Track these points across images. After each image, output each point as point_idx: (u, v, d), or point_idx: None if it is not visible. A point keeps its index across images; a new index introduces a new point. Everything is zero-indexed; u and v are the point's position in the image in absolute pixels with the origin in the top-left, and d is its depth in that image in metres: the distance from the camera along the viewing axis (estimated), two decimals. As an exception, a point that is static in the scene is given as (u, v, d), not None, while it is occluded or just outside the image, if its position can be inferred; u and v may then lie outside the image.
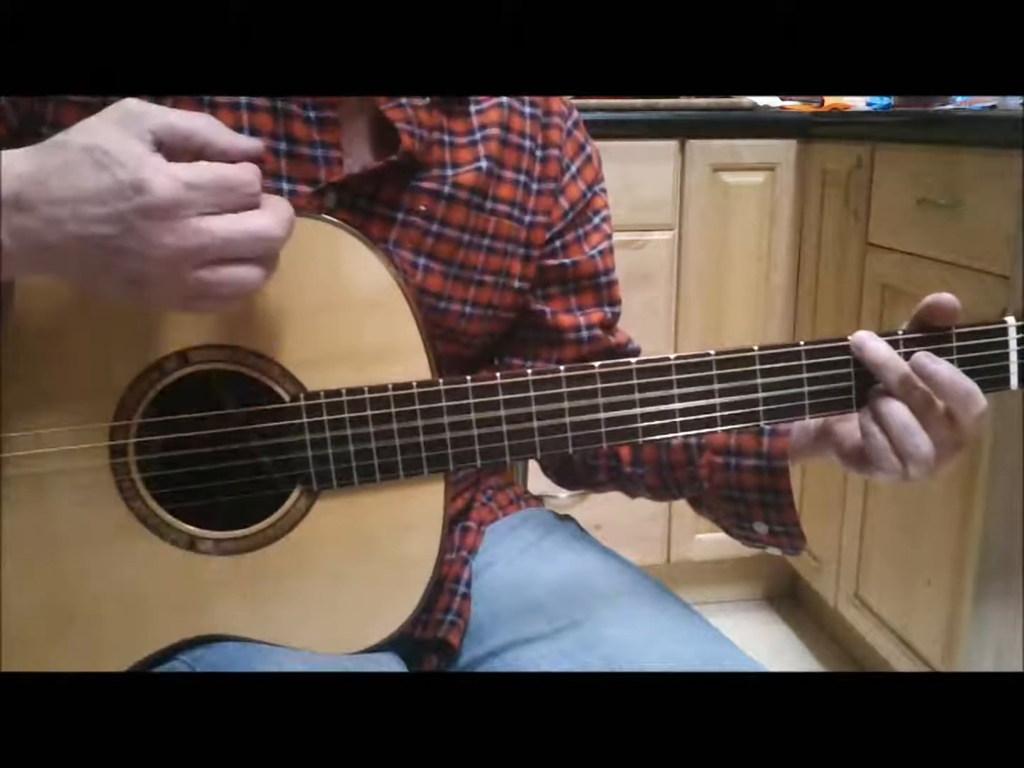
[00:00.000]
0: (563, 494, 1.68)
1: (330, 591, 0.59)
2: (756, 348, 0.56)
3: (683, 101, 1.68)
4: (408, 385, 0.55)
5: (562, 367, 0.56)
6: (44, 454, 0.54)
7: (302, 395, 0.56)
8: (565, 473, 0.77)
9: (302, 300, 0.55)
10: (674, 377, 0.57)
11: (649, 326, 1.68)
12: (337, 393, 0.56)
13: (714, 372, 0.56)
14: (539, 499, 0.80)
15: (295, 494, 0.58)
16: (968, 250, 1.24)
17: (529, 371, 0.56)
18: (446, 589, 0.66)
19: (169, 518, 0.57)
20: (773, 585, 1.93)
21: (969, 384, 0.54)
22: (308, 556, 0.58)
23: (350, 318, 0.56)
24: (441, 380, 0.56)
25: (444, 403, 0.56)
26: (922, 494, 1.37)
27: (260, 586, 0.58)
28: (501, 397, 0.56)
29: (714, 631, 0.63)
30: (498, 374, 0.56)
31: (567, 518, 0.77)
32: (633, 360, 0.56)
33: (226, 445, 0.57)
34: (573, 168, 0.70)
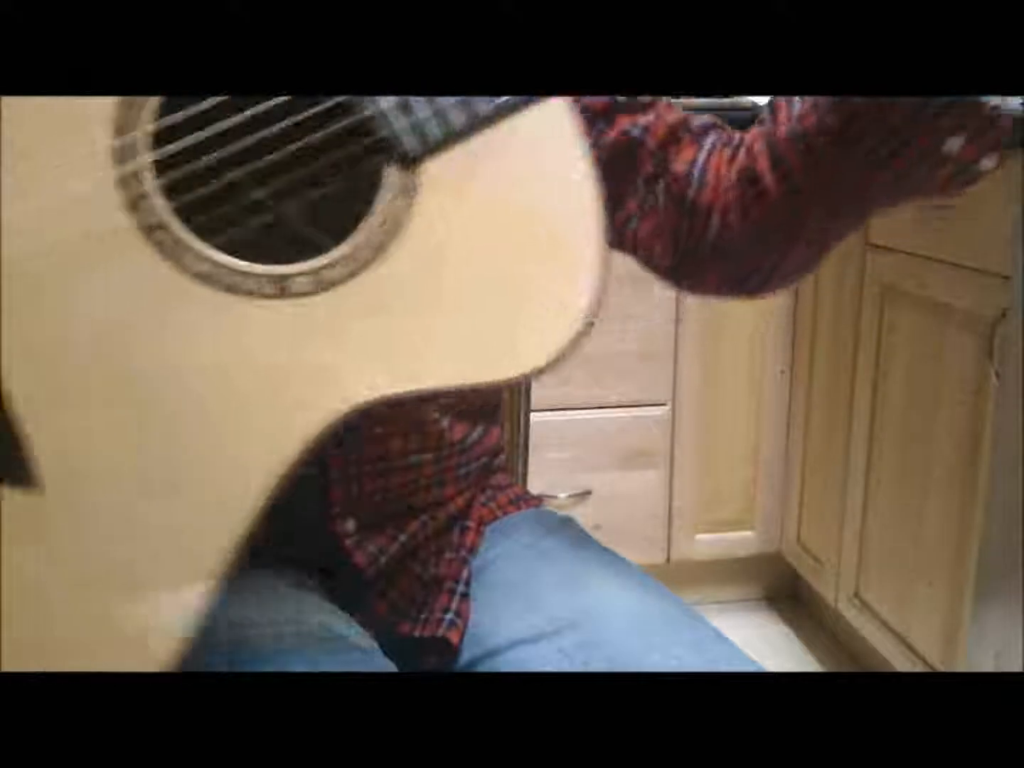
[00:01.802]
0: (563, 494, 1.68)
1: (477, 293, 0.46)
2: None
3: (683, 101, 1.68)
4: None
5: None
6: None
7: None
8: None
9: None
10: None
11: (649, 325, 1.68)
12: None
13: None
14: (539, 499, 0.80)
15: (390, 176, 0.44)
16: (968, 250, 1.24)
17: None
18: (445, 588, 0.67)
19: (243, 264, 0.44)
20: (773, 585, 1.93)
21: None
22: (434, 258, 0.45)
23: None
24: None
25: None
26: (922, 494, 1.37)
27: (386, 315, 0.45)
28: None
29: (714, 631, 0.63)
30: None
31: (567, 518, 0.77)
32: None
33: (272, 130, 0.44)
34: None
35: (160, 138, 0.45)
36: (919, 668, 1.39)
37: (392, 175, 0.45)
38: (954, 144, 0.53)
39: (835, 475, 1.63)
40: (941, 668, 1.34)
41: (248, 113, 0.45)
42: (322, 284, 0.44)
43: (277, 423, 0.45)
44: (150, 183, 0.44)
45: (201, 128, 0.45)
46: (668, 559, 1.80)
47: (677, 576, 1.74)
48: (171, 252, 0.44)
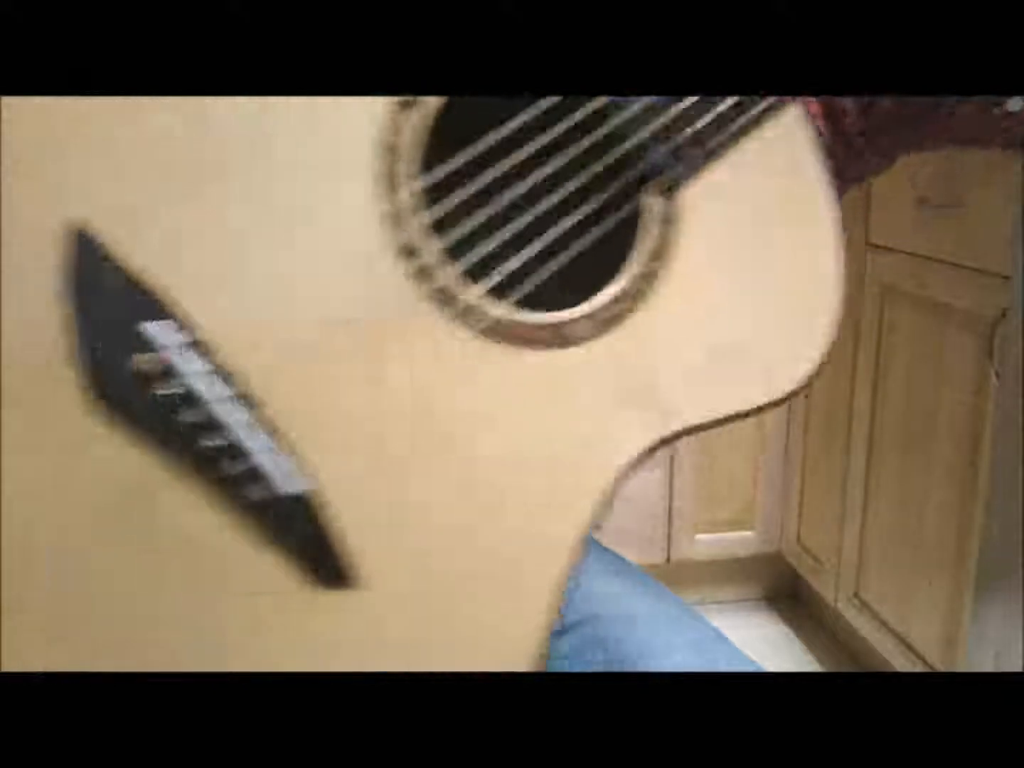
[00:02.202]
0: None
1: (736, 319, 0.45)
2: None
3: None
4: None
5: None
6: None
7: None
8: None
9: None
10: None
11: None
12: None
13: None
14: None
15: (653, 206, 0.44)
16: (968, 250, 1.24)
17: None
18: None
19: (527, 316, 0.43)
20: (773, 585, 1.93)
21: None
22: (700, 287, 0.44)
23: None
24: None
25: None
26: (922, 494, 1.37)
27: (655, 352, 0.44)
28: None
29: (714, 631, 0.63)
30: None
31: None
32: None
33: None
34: None
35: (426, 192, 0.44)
36: (919, 668, 1.39)
37: (655, 205, 0.45)
38: (1017, 103, 0.54)
39: (835, 475, 1.63)
40: (941, 668, 1.34)
41: (514, 159, 0.44)
42: (598, 327, 0.44)
43: (571, 483, 0.44)
44: (428, 245, 0.43)
45: (465, 180, 0.44)
46: (668, 559, 1.80)
47: (677, 576, 1.74)
48: (458, 313, 0.43)
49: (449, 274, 0.43)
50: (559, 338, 0.43)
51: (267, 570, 0.42)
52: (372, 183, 0.43)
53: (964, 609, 1.27)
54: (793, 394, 0.47)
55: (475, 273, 0.44)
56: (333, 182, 0.44)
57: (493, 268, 0.44)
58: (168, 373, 0.40)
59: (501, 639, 0.46)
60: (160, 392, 0.40)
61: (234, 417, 0.41)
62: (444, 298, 0.43)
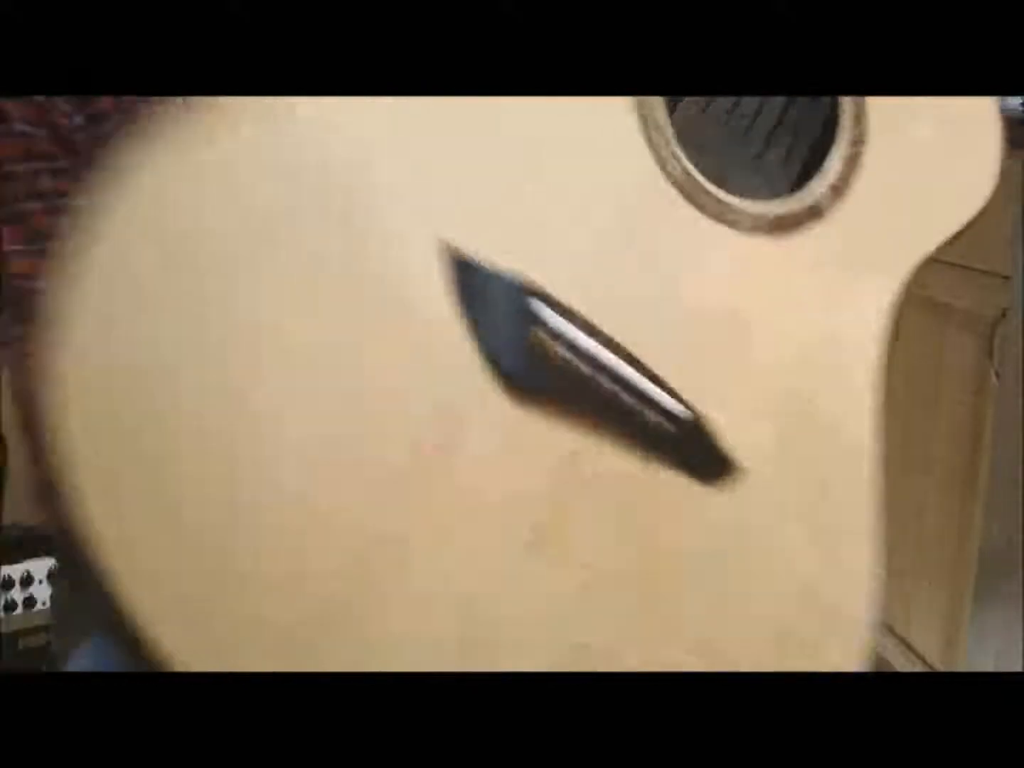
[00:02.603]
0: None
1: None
2: None
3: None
4: None
5: None
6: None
7: None
8: None
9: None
10: None
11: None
12: None
13: None
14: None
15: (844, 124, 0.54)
16: (968, 250, 1.24)
17: None
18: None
19: (746, 204, 0.52)
20: (773, 585, 1.93)
21: None
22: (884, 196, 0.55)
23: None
24: None
25: None
26: (922, 495, 1.37)
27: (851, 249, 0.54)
28: None
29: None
30: None
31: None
32: None
33: None
34: None
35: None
36: (919, 668, 1.39)
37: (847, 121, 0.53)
38: None
39: (835, 475, 1.62)
40: (941, 668, 1.33)
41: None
42: (805, 220, 0.52)
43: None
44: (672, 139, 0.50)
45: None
46: (668, 559, 1.79)
47: (677, 576, 1.74)
48: (694, 198, 0.50)
49: (683, 160, 0.51)
50: (774, 228, 0.52)
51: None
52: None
53: (964, 609, 1.27)
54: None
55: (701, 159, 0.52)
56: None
57: (718, 158, 0.53)
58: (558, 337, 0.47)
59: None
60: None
61: (619, 365, 0.49)
62: (683, 184, 0.50)
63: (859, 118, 0.53)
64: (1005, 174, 1.14)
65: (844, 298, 0.56)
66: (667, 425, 0.49)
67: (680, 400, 0.50)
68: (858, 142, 0.53)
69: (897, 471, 1.48)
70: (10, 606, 1.40)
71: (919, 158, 0.57)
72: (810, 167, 0.54)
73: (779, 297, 0.53)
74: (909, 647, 1.42)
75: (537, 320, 0.48)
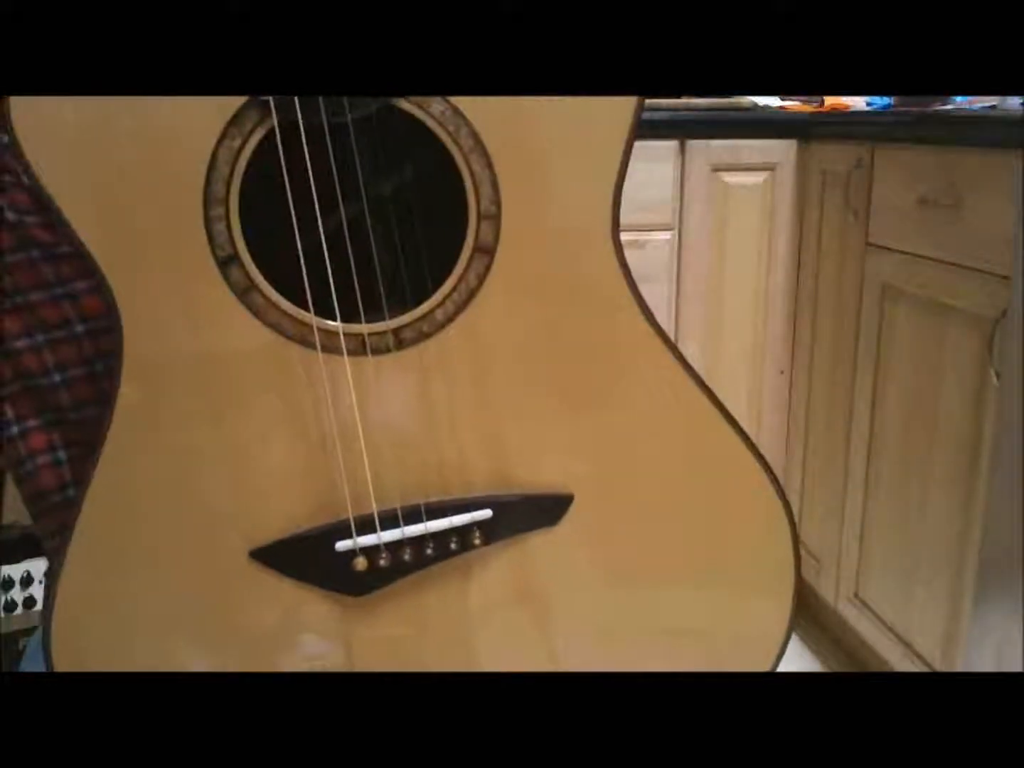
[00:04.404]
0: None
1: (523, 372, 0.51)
2: None
3: (683, 101, 1.68)
4: None
5: None
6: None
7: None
8: None
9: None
10: None
11: (649, 326, 1.68)
12: None
13: None
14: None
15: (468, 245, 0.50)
16: (968, 250, 1.24)
17: None
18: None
19: (328, 324, 0.49)
20: (773, 585, 1.93)
21: None
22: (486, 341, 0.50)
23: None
24: None
25: None
26: (922, 494, 1.37)
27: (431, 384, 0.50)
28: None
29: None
30: None
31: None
32: None
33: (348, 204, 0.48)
34: None
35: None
36: (919, 668, 1.39)
37: (470, 235, 0.50)
38: None
39: (835, 475, 1.63)
40: (941, 668, 1.33)
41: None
42: (400, 342, 0.50)
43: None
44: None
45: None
46: (668, 559, 1.79)
47: (677, 576, 1.74)
48: (265, 315, 0.48)
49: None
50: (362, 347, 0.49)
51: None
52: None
53: (964, 609, 1.27)
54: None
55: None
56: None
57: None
58: None
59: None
60: None
61: None
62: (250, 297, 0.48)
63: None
64: (1005, 174, 1.14)
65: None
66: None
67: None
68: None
69: (897, 471, 1.50)
70: (10, 606, 1.40)
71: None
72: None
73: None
74: (909, 647, 1.42)
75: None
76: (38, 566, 1.41)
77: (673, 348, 0.52)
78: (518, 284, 0.50)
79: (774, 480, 0.55)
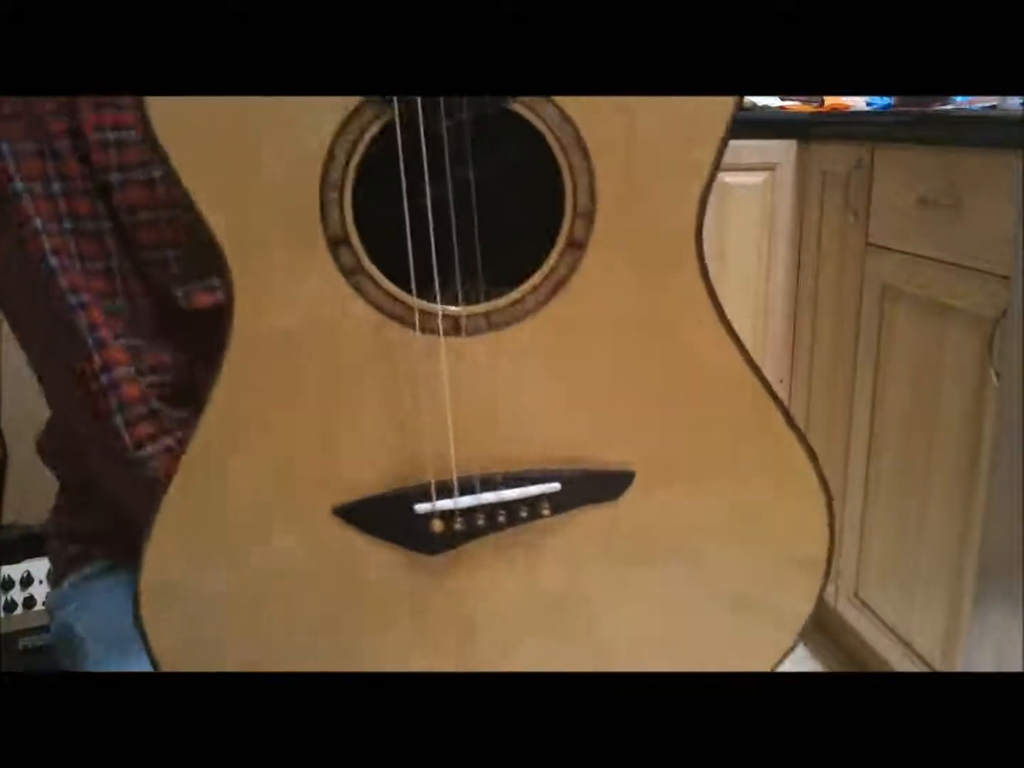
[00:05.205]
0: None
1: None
2: None
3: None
4: None
5: None
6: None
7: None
8: None
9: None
10: None
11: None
12: None
13: None
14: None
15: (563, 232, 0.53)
16: (968, 250, 1.24)
17: None
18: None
19: (425, 304, 0.53)
20: (773, 585, 1.93)
21: None
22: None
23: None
24: None
25: None
26: (922, 494, 1.37)
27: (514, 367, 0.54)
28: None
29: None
30: None
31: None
32: None
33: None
34: None
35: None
36: (919, 668, 1.39)
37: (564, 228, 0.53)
38: None
39: (835, 476, 1.63)
40: (941, 668, 1.33)
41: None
42: (492, 325, 0.53)
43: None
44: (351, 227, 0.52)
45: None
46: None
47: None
48: (369, 294, 0.52)
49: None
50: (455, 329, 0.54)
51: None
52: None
53: (964, 609, 1.27)
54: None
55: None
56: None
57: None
58: None
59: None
60: None
61: None
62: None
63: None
64: (1005, 174, 1.14)
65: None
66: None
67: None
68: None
69: (897, 471, 1.49)
70: (10, 606, 1.40)
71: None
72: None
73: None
74: (909, 647, 1.42)
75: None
76: (38, 566, 1.41)
77: (743, 350, 0.57)
78: (606, 278, 0.54)
79: (822, 478, 0.65)
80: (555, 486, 0.56)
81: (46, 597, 1.30)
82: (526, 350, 0.54)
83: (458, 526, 0.55)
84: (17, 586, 1.40)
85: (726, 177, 1.66)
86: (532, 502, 0.56)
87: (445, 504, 0.55)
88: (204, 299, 0.64)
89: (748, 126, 1.67)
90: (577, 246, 0.53)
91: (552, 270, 0.53)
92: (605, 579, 0.60)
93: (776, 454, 0.61)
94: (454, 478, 0.55)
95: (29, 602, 1.41)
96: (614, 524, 0.58)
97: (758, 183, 1.68)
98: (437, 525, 0.55)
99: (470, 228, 0.53)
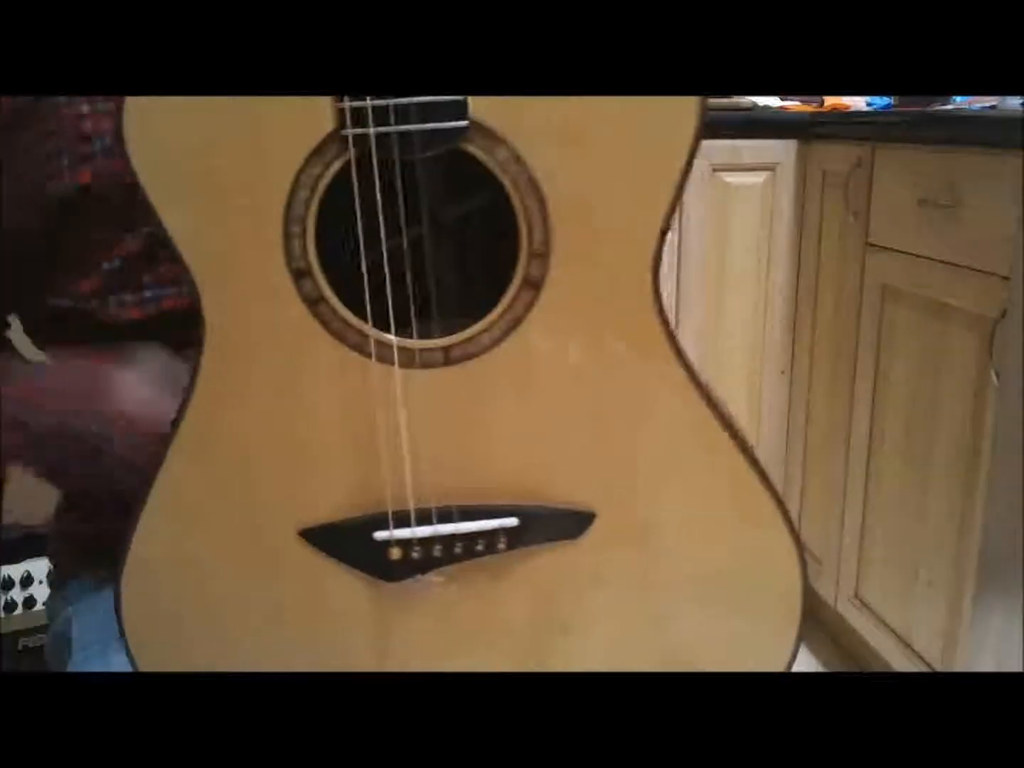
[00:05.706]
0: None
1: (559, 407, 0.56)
2: None
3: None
4: None
5: None
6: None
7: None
8: None
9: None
10: None
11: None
12: None
13: None
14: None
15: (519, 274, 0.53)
16: (968, 250, 1.24)
17: None
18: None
19: (383, 336, 0.53)
20: (773, 585, 1.93)
21: None
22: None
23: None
24: None
25: None
26: (922, 494, 1.37)
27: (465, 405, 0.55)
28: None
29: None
30: None
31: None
32: None
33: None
34: None
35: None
36: (919, 668, 1.39)
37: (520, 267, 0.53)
38: None
39: (835, 475, 1.63)
40: (941, 668, 1.34)
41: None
42: (449, 360, 0.54)
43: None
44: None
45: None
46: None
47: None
48: (330, 324, 0.53)
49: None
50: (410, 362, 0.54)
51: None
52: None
53: (964, 609, 1.27)
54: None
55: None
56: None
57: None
58: None
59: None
60: None
61: None
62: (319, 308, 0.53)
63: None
64: (1005, 174, 1.14)
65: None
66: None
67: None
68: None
69: (897, 471, 1.49)
70: (10, 606, 1.40)
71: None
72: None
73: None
74: (909, 647, 1.42)
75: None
76: (38, 566, 1.41)
77: (700, 387, 0.56)
78: (561, 318, 0.54)
79: (788, 520, 0.59)
80: (512, 521, 0.56)
81: (47, 599, 1.31)
82: (482, 385, 0.54)
83: (415, 555, 0.56)
84: (17, 586, 1.40)
85: (726, 177, 1.66)
86: (489, 536, 0.56)
87: (403, 533, 0.56)
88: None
89: (748, 126, 1.67)
90: (533, 285, 0.53)
91: (507, 308, 0.53)
92: (566, 615, 0.59)
93: (740, 500, 0.59)
94: (411, 508, 0.55)
95: (29, 602, 1.41)
96: (574, 563, 0.58)
97: (758, 183, 1.68)
98: (395, 553, 0.56)
99: (424, 265, 0.54)
